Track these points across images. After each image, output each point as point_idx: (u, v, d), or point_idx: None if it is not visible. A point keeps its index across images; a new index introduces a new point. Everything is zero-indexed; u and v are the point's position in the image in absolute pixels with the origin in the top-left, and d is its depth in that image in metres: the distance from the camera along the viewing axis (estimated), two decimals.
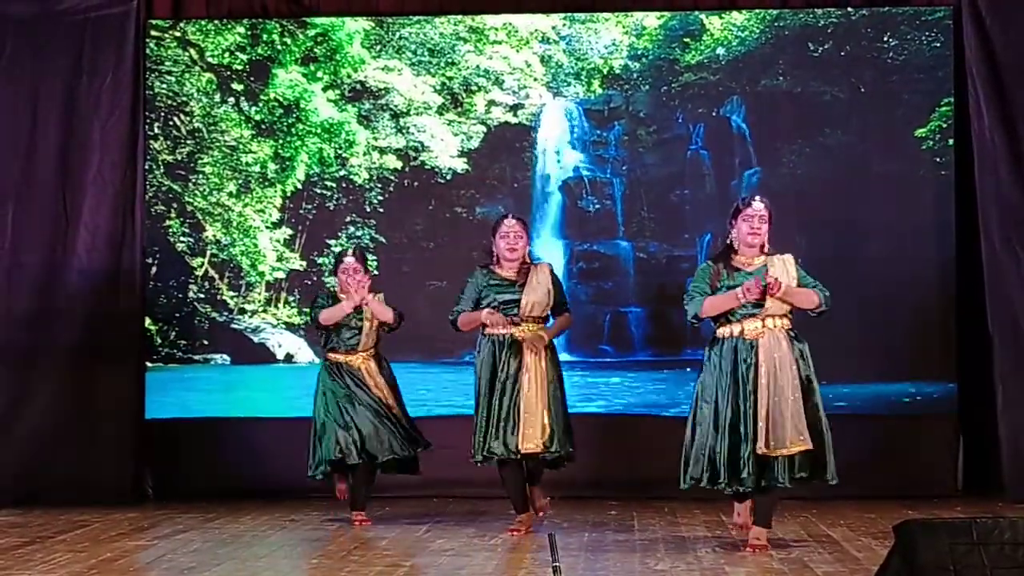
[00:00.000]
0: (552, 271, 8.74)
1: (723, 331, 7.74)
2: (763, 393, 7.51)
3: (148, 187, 10.74)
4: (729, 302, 7.66)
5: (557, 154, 10.81)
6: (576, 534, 8.55)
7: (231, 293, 10.79)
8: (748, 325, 7.64)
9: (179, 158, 10.84)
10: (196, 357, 10.82)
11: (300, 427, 9.33)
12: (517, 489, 8.62)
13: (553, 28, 10.79)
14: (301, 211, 10.82)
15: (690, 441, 7.76)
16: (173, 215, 10.82)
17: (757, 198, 7.85)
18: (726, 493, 7.77)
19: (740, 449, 7.56)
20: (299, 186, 10.83)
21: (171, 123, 10.85)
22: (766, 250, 7.82)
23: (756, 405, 7.52)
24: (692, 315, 7.80)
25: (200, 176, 10.84)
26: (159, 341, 10.76)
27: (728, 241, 7.90)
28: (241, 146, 10.85)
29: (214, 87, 10.85)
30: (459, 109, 10.80)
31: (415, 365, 10.65)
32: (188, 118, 10.85)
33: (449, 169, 10.78)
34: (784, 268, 7.72)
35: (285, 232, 10.79)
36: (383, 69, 10.83)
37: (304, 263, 10.73)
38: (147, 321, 10.69)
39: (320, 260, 10.63)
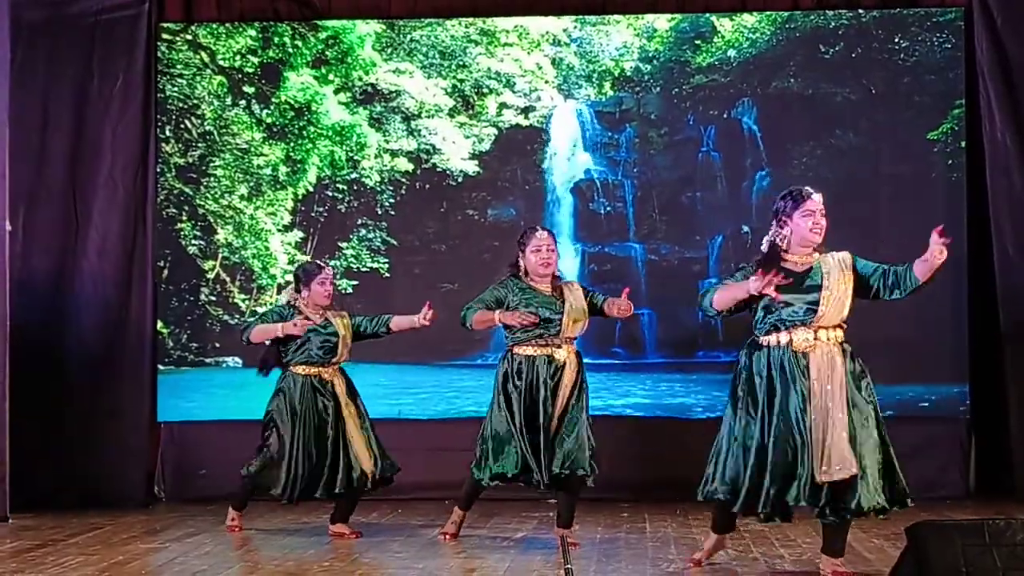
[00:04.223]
0: (580, 287, 8.42)
1: (768, 339, 6.97)
2: (816, 415, 6.76)
3: (159, 190, 10.75)
4: (739, 291, 6.89)
5: (568, 156, 10.81)
6: (588, 536, 8.55)
7: (242, 296, 10.80)
8: (797, 335, 6.89)
9: (190, 161, 10.85)
10: (207, 360, 10.83)
11: None
12: (476, 492, 8.50)
13: (564, 30, 10.79)
14: (312, 214, 10.82)
15: (724, 452, 7.02)
16: (184, 218, 10.83)
17: (813, 190, 7.15)
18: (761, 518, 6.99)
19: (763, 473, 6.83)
20: (310, 189, 10.84)
21: (182, 126, 10.86)
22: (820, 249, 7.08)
23: (809, 428, 6.74)
24: (706, 305, 7.04)
25: (211, 179, 10.85)
26: (171, 344, 10.77)
27: (774, 240, 7.12)
28: (252, 149, 10.86)
29: (225, 90, 10.86)
30: (470, 111, 10.81)
31: (426, 367, 10.68)
32: (199, 121, 10.86)
33: (460, 171, 10.78)
34: (840, 269, 7.00)
35: (296, 235, 10.80)
36: (394, 72, 10.84)
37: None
38: (159, 324, 10.71)
39: (332, 263, 10.61)
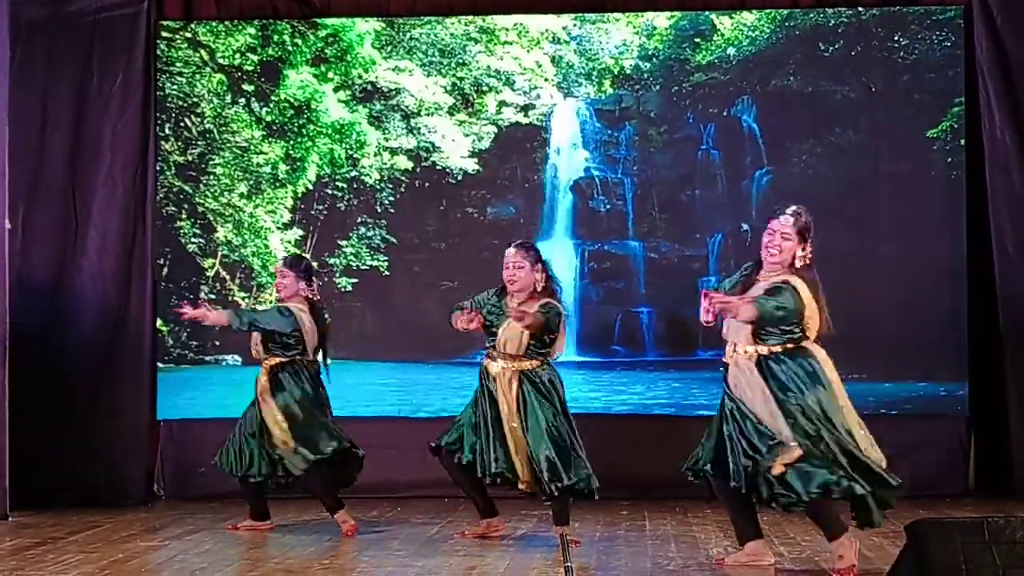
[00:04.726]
0: (547, 305, 8.11)
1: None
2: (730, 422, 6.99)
3: (159, 188, 10.75)
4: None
5: (568, 154, 10.81)
6: (587, 533, 8.55)
7: (242, 294, 10.80)
8: (726, 350, 7.11)
9: (190, 159, 10.85)
10: (207, 358, 10.83)
11: None
12: (480, 490, 8.51)
13: (564, 28, 10.79)
14: (312, 212, 10.82)
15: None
16: (184, 216, 10.83)
17: (789, 210, 7.06)
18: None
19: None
20: (310, 187, 10.84)
21: (182, 124, 10.86)
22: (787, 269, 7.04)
23: (739, 433, 6.95)
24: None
25: (211, 177, 10.86)
26: (170, 342, 10.77)
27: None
28: (252, 147, 10.86)
29: (225, 88, 10.86)
30: (470, 109, 10.81)
31: (425, 365, 10.67)
32: (199, 119, 10.86)
33: (460, 169, 10.78)
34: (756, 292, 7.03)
35: (296, 233, 10.80)
36: (394, 70, 10.84)
37: (315, 264, 10.69)
38: (158, 322, 10.71)
39: (331, 261, 10.63)
